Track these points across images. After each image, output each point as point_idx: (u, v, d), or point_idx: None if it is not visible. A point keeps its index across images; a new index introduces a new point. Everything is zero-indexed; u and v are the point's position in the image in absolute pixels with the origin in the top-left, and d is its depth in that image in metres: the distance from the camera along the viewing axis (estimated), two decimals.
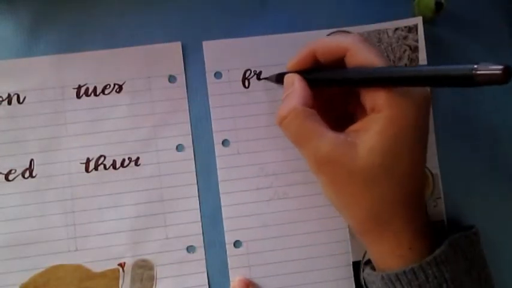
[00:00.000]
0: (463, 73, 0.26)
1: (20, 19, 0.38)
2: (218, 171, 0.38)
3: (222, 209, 0.38)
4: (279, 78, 0.36)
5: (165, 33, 0.39)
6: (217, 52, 0.39)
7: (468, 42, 0.41)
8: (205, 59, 0.38)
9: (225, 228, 0.38)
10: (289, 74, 0.34)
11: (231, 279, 0.38)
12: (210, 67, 0.38)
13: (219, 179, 0.38)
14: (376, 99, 0.30)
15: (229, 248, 0.38)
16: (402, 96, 0.30)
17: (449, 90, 0.40)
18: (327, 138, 0.31)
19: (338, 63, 0.32)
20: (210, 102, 0.38)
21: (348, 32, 0.38)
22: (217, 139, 0.38)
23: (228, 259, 0.38)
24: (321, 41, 0.33)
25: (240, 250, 0.38)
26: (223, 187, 0.38)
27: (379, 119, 0.30)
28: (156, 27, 0.39)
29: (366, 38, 0.32)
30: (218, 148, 0.38)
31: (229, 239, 0.38)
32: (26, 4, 0.38)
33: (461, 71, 0.26)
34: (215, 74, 0.39)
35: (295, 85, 0.33)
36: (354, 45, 0.31)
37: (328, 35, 0.39)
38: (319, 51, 0.33)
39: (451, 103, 0.40)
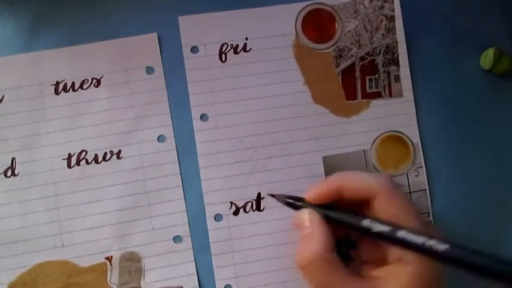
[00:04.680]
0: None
1: (20, 19, 0.38)
2: (197, 145, 0.38)
3: (202, 183, 0.38)
4: (290, 203, 0.34)
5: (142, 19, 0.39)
6: (193, 27, 0.39)
7: (448, 10, 0.41)
8: (181, 34, 0.39)
9: (205, 202, 0.38)
10: (308, 211, 0.32)
11: (212, 253, 0.38)
12: (186, 42, 0.39)
13: (198, 154, 0.38)
14: (405, 253, 0.29)
15: (210, 221, 0.38)
16: None
17: (430, 58, 0.40)
18: None
19: (357, 203, 0.31)
20: (187, 77, 0.39)
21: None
22: (195, 114, 0.38)
23: (209, 233, 0.38)
24: (348, 178, 0.31)
25: (221, 223, 0.38)
26: (202, 161, 0.38)
27: (407, 273, 0.29)
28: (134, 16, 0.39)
29: (396, 184, 0.31)
30: (196, 123, 0.38)
31: (209, 212, 0.38)
32: (26, 4, 0.38)
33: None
34: (192, 49, 0.39)
35: (316, 229, 0.31)
36: (383, 193, 0.30)
37: (304, 8, 0.39)
38: (346, 189, 0.31)
39: (432, 72, 0.40)
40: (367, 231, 0.30)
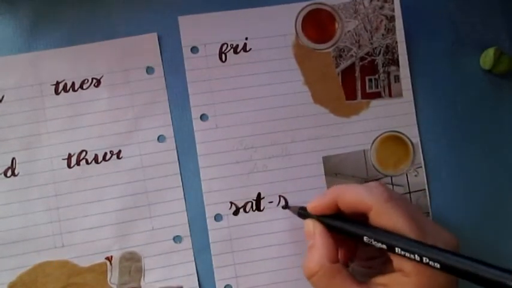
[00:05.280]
0: (499, 281, 0.25)
1: (20, 19, 0.38)
2: (197, 145, 0.38)
3: (202, 183, 0.38)
4: (302, 214, 0.35)
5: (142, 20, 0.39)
6: (193, 27, 0.39)
7: (448, 11, 0.41)
8: (181, 34, 0.39)
9: (205, 202, 0.38)
10: (311, 222, 0.33)
11: (212, 253, 0.38)
12: (186, 42, 0.39)
13: (198, 154, 0.38)
14: (403, 263, 0.29)
15: (210, 221, 0.38)
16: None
17: (430, 58, 0.40)
18: None
19: (361, 215, 0.31)
20: (187, 77, 0.39)
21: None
22: (195, 114, 0.39)
23: (209, 233, 0.38)
24: (345, 192, 0.32)
25: (221, 223, 0.38)
26: (202, 161, 0.38)
27: (408, 284, 0.29)
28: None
29: (392, 195, 0.31)
30: (196, 123, 0.38)
31: (209, 212, 0.38)
32: (26, 4, 0.38)
33: (498, 278, 0.25)
34: (192, 49, 0.39)
35: (317, 240, 0.32)
36: (377, 205, 0.30)
37: (304, 8, 0.39)
38: (342, 202, 0.32)
39: (431, 72, 0.40)
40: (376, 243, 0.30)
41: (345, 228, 0.32)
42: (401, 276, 0.29)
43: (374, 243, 0.30)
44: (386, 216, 0.30)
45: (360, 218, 0.31)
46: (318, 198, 0.33)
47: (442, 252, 0.28)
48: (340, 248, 0.34)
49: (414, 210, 0.31)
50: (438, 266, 0.27)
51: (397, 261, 0.30)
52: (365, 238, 0.30)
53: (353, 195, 0.31)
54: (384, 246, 0.29)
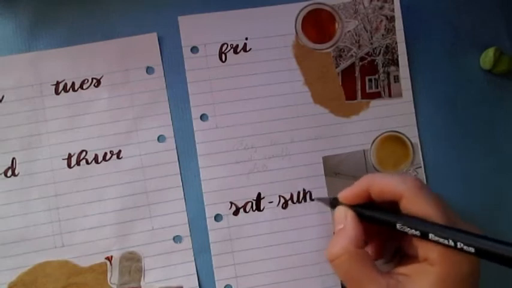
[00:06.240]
0: None
1: (20, 19, 0.38)
2: (197, 145, 0.38)
3: (202, 183, 0.38)
4: (334, 204, 0.35)
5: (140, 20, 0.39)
6: (193, 27, 0.39)
7: (448, 11, 0.41)
8: (181, 34, 0.39)
9: (205, 202, 0.38)
10: (343, 208, 0.33)
11: (212, 253, 0.38)
12: (186, 42, 0.39)
13: (198, 154, 0.38)
14: (429, 251, 0.29)
15: (210, 221, 0.38)
16: (457, 254, 0.29)
17: (430, 59, 0.41)
18: (378, 284, 0.30)
19: (392, 203, 0.31)
20: (187, 77, 0.39)
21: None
22: (195, 114, 0.39)
23: (209, 233, 0.38)
24: (377, 180, 0.32)
25: (221, 224, 0.38)
26: (202, 161, 0.38)
27: (431, 273, 0.29)
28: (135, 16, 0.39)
29: (424, 185, 0.31)
30: (196, 123, 0.38)
31: (209, 213, 0.38)
32: (26, 4, 0.38)
33: None
34: (192, 49, 0.39)
35: (348, 224, 0.32)
36: (410, 193, 0.30)
37: (304, 8, 0.39)
38: (374, 190, 0.32)
39: (431, 73, 0.40)
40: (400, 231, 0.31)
41: (376, 217, 0.32)
42: (425, 265, 0.29)
43: (407, 230, 0.30)
44: (418, 203, 0.30)
45: (390, 208, 0.31)
46: (349, 188, 0.33)
47: (476, 237, 0.27)
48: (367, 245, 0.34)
49: (442, 201, 0.31)
50: (473, 250, 0.27)
51: (422, 250, 0.30)
52: (398, 225, 0.30)
53: (385, 183, 0.31)
54: (417, 233, 0.29)
